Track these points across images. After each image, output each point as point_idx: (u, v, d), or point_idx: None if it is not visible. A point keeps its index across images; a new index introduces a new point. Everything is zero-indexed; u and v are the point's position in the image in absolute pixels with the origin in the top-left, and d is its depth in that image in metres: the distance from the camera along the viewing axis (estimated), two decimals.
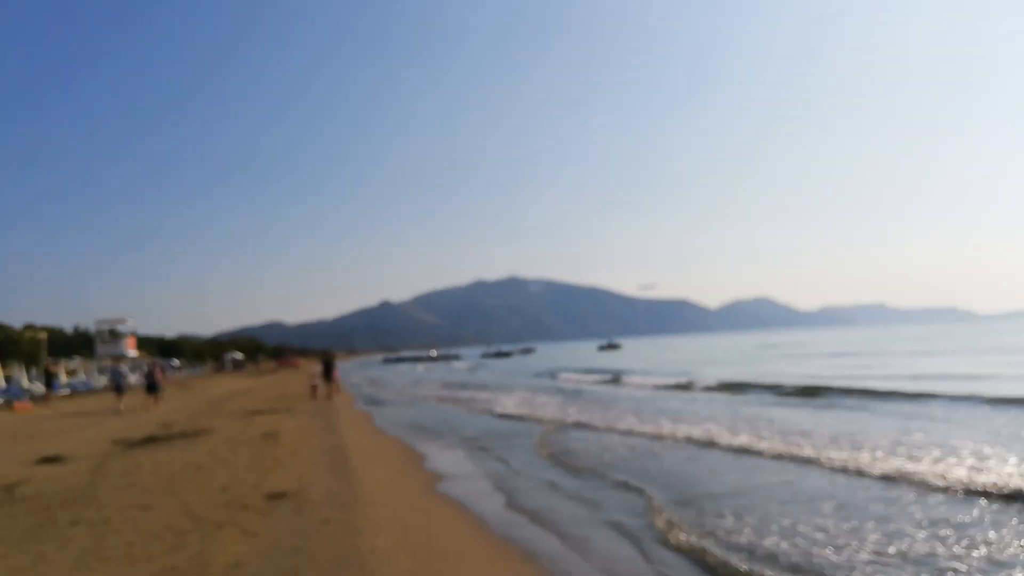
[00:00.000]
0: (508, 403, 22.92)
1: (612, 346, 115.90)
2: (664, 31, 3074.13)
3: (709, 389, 25.67)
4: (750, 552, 6.16)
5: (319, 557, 5.77)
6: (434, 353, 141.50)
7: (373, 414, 21.50)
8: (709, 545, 6.38)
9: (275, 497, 8.03)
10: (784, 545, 6.30)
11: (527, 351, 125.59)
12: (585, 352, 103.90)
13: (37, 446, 13.88)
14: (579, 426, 16.09)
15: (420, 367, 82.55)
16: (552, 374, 43.61)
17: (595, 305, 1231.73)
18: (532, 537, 6.86)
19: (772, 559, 5.96)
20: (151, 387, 25.32)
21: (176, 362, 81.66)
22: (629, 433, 14.43)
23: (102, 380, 43.60)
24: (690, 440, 12.98)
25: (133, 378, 38.02)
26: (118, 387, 25.05)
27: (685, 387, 27.05)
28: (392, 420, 19.48)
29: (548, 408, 20.88)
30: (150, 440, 14.22)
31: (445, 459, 12.14)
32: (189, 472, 9.96)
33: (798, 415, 16.51)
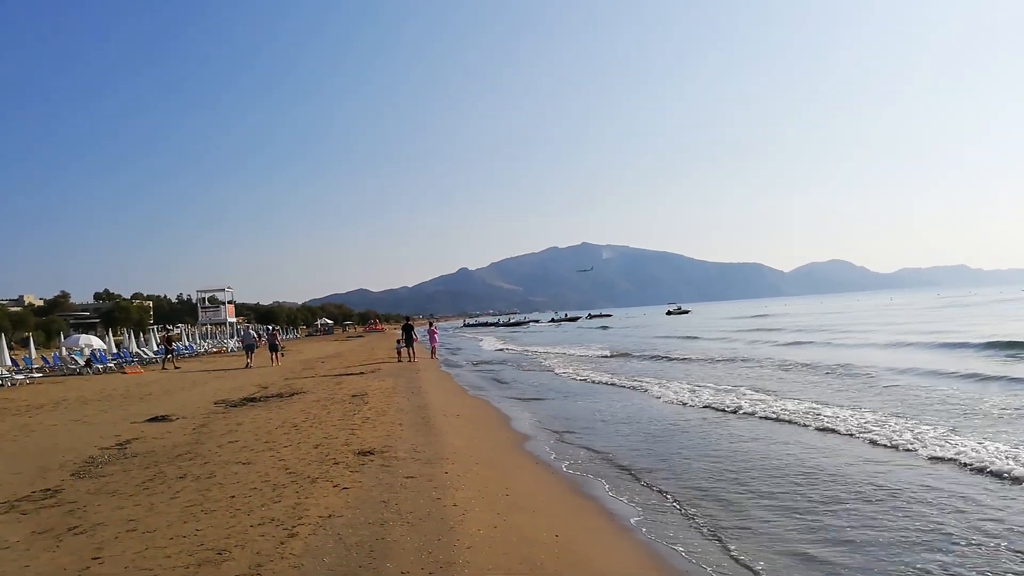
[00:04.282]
0: None
1: (681, 311, 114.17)
2: None
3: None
4: None
5: (404, 510, 6.02)
6: (511, 319, 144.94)
7: (453, 375, 22.01)
8: None
9: (364, 454, 8.41)
10: None
11: (604, 316, 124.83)
12: (654, 317, 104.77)
13: (146, 406, 14.96)
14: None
15: (500, 331, 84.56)
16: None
17: (667, 270, 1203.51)
18: (604, 495, 7.27)
19: None
20: (273, 347, 29.58)
21: (271, 328, 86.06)
22: None
23: (204, 345, 46.44)
24: None
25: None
26: (248, 347, 28.68)
27: None
28: (470, 381, 19.89)
29: None
30: (249, 401, 15.10)
31: (523, 418, 12.46)
32: (285, 430, 10.55)
33: None
